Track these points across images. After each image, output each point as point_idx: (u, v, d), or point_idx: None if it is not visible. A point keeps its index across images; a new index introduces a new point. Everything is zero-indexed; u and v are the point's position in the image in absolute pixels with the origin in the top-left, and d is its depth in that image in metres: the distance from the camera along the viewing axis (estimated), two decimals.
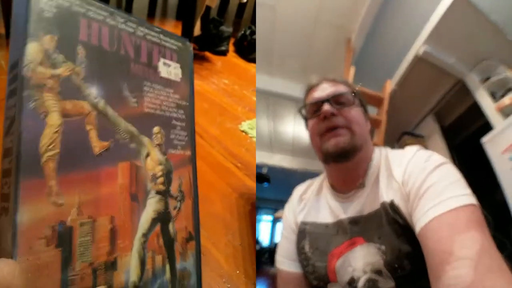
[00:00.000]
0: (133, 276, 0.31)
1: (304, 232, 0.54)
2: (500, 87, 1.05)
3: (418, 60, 1.30)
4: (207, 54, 1.81)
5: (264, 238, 4.03)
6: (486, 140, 1.06)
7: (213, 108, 1.27)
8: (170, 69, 0.37)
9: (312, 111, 0.52)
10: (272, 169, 2.67)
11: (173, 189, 0.36)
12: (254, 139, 1.18)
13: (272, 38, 1.71)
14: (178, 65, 0.38)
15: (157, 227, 0.34)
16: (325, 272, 0.49)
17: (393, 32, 1.43)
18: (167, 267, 0.34)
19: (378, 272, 0.43)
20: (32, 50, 0.26)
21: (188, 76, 0.40)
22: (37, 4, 0.27)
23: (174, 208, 0.36)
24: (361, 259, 0.45)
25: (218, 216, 0.77)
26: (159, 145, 0.34)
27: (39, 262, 0.25)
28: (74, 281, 0.26)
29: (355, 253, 0.46)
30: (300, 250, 0.54)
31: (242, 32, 1.93)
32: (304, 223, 0.55)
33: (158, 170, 0.34)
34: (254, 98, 1.45)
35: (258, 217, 3.93)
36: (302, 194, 0.59)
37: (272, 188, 2.87)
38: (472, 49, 1.15)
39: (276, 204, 3.63)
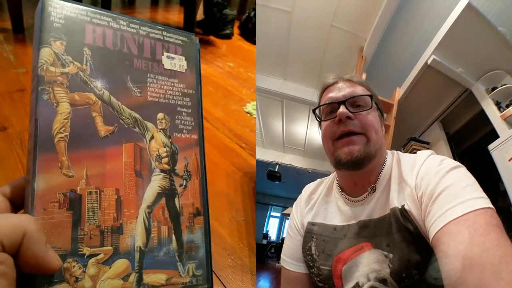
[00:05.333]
0: (139, 241, 0.33)
1: (311, 233, 0.51)
2: (506, 97, 1.04)
3: (427, 69, 1.29)
4: (212, 38, 1.75)
5: (272, 233, 4.06)
6: (492, 147, 1.05)
7: (218, 91, 1.26)
8: (174, 62, 0.39)
9: (327, 112, 0.48)
10: (283, 167, 2.69)
11: (179, 168, 0.37)
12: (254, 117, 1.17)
13: (287, 43, 1.73)
14: (183, 58, 0.40)
15: (162, 201, 0.35)
16: (331, 276, 0.46)
17: (403, 41, 1.43)
18: (173, 237, 0.35)
19: (382, 281, 0.41)
20: (45, 54, 0.31)
21: (195, 67, 0.41)
22: (48, 17, 0.32)
23: (180, 186, 0.37)
24: (367, 265, 0.43)
25: (222, 194, 0.78)
26: (163, 129, 0.37)
27: (53, 221, 0.29)
28: (83, 239, 0.30)
29: (362, 259, 0.44)
30: (306, 251, 0.51)
31: (247, 14, 1.79)
32: (312, 224, 0.52)
33: (163, 152, 0.36)
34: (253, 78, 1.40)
35: (268, 213, 3.96)
36: (311, 194, 0.56)
37: (282, 186, 2.88)
38: (480, 59, 1.13)
39: (285, 201, 3.64)
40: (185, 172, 0.38)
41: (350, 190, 0.49)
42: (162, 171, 0.36)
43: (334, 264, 0.46)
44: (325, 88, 0.51)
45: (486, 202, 0.35)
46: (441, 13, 1.15)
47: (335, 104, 0.46)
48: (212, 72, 1.42)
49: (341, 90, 0.48)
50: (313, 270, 0.50)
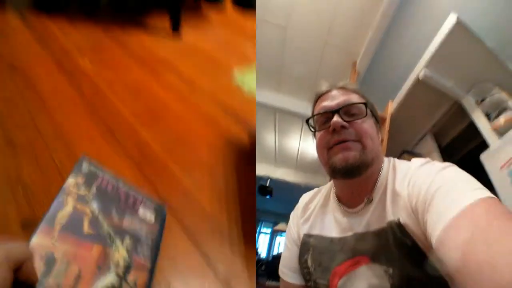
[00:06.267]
0: None
1: (307, 245, 0.50)
2: (494, 108, 1.07)
3: (418, 83, 1.33)
4: (202, 3, 1.68)
5: (262, 250, 3.95)
6: (484, 157, 1.07)
7: (206, 62, 1.22)
8: (146, 214, 0.57)
9: (321, 122, 0.47)
10: (275, 182, 2.66)
11: (130, 280, 0.46)
12: (245, 87, 1.13)
13: (281, 57, 1.77)
14: (153, 215, 0.58)
15: None
16: None
17: (395, 56, 1.48)
18: None
19: None
20: (71, 181, 0.51)
21: (159, 223, 0.58)
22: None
23: None
24: (365, 280, 0.41)
25: (204, 163, 0.76)
26: (127, 248, 0.49)
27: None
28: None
29: (359, 274, 0.42)
30: (302, 263, 0.50)
31: None
32: (308, 235, 0.51)
33: (121, 262, 0.47)
34: (249, 51, 1.37)
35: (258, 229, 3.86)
36: (308, 204, 0.54)
37: (273, 201, 2.84)
38: (469, 72, 1.18)
39: (276, 217, 3.58)
40: (134, 284, 0.46)
41: (347, 200, 0.47)
42: (117, 274, 0.45)
43: (331, 278, 0.44)
44: (319, 97, 0.49)
45: (483, 193, 0.31)
46: (432, 28, 1.20)
47: (329, 113, 0.45)
48: (201, 42, 1.36)
49: (335, 99, 0.46)
50: (310, 283, 0.48)
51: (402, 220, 0.38)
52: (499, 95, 1.05)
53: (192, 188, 0.70)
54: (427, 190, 0.35)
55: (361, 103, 0.46)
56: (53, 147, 0.73)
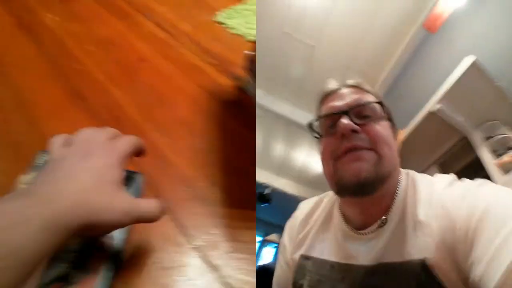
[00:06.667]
0: None
1: (304, 269, 0.41)
2: (501, 146, 1.17)
3: (430, 115, 1.44)
4: None
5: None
6: None
7: (186, 0, 1.08)
8: None
9: (327, 126, 0.38)
10: (274, 191, 2.71)
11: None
12: (232, 30, 0.99)
13: (307, 74, 1.87)
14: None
15: None
16: None
17: (410, 88, 1.60)
18: None
19: None
20: None
21: (132, 193, 0.48)
22: None
23: None
24: None
25: (183, 121, 0.68)
26: None
27: None
28: None
29: None
30: None
31: None
32: (305, 257, 0.42)
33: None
34: None
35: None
36: (308, 216, 0.45)
37: (268, 210, 2.87)
38: (478, 110, 1.29)
39: (268, 226, 3.58)
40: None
41: (355, 219, 0.38)
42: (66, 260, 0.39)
43: None
44: (325, 96, 0.41)
45: None
46: (449, 65, 1.32)
47: (336, 115, 0.37)
48: None
49: (344, 98, 0.38)
50: None
51: (429, 261, 0.30)
52: (506, 134, 1.16)
53: (169, 150, 0.62)
54: (469, 218, 0.28)
55: (376, 102, 0.38)
56: (8, 109, 0.65)
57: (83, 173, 0.34)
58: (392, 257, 0.33)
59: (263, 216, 3.50)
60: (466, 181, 0.34)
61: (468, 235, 0.27)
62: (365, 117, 0.37)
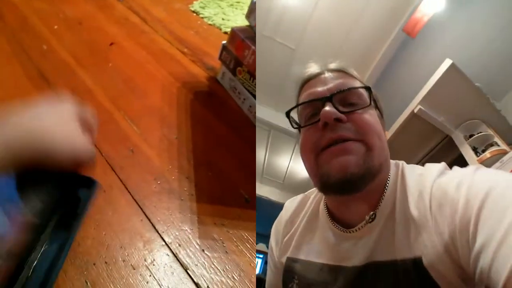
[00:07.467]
0: None
1: (292, 272, 0.38)
2: (481, 143, 1.21)
3: (413, 116, 1.46)
4: None
5: None
6: None
7: None
8: None
9: (307, 115, 0.34)
10: (257, 199, 2.65)
11: None
12: (206, 20, 0.98)
13: (286, 77, 1.85)
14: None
15: None
16: None
17: (392, 90, 1.62)
18: None
19: None
20: None
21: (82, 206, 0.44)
22: None
23: None
24: None
25: (154, 110, 0.65)
26: None
27: None
28: None
29: None
30: None
31: None
32: (292, 260, 0.39)
33: None
34: None
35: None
36: (293, 216, 0.41)
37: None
38: (459, 109, 1.33)
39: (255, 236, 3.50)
40: None
41: (342, 216, 0.35)
42: None
43: None
44: (305, 82, 0.36)
45: None
46: (428, 68, 1.35)
47: (318, 102, 0.32)
48: None
49: (327, 83, 0.33)
50: None
51: (427, 261, 0.27)
52: (486, 131, 1.19)
53: (139, 140, 0.59)
54: (468, 208, 0.25)
55: (363, 87, 0.34)
56: None
57: (44, 112, 0.38)
58: (383, 256, 0.31)
59: None
60: (458, 169, 0.30)
61: (470, 224, 0.24)
62: (351, 104, 0.32)
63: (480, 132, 1.22)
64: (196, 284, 0.44)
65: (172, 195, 0.52)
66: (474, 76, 1.22)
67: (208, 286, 0.44)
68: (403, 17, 1.43)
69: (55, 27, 0.80)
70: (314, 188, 0.39)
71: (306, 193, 0.43)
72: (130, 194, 0.51)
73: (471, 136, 1.26)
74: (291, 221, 0.41)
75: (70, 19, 0.85)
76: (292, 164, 2.38)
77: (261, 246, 3.09)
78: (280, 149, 2.30)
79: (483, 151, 1.19)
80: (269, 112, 2.05)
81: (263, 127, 2.11)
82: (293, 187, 2.54)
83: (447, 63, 1.28)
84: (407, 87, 1.51)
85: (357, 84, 0.34)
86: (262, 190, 2.62)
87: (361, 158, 0.29)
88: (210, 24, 0.98)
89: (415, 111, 1.41)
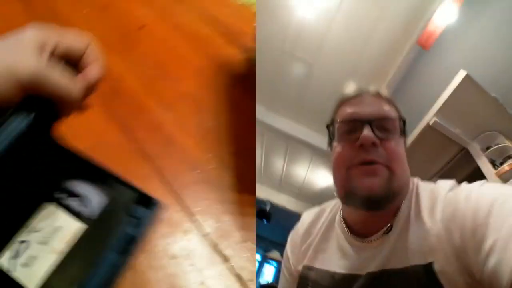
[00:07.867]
0: None
1: (307, 280, 0.41)
2: (499, 155, 1.20)
3: (429, 128, 1.47)
4: None
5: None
6: None
7: None
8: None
9: (344, 131, 0.37)
10: (273, 207, 2.68)
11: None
12: (247, 4, 0.87)
13: (305, 90, 1.92)
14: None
15: None
16: None
17: (408, 102, 1.64)
18: None
19: None
20: None
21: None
22: None
23: None
24: None
25: (189, 95, 0.62)
26: None
27: None
28: None
29: None
30: None
31: None
32: (308, 268, 0.42)
33: None
34: None
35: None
36: (310, 227, 0.45)
37: (268, 226, 2.83)
38: (475, 121, 1.32)
39: (267, 243, 3.50)
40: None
41: (359, 227, 0.39)
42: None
43: None
44: (345, 100, 0.40)
45: None
46: (443, 80, 1.37)
47: (358, 123, 0.36)
48: None
49: (367, 106, 0.37)
50: None
51: (438, 267, 0.30)
52: (504, 143, 1.19)
53: (174, 128, 0.57)
54: (476, 217, 0.28)
55: (398, 118, 0.38)
56: None
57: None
58: (397, 263, 0.34)
59: (262, 232, 3.44)
60: (466, 185, 0.35)
61: (477, 231, 0.28)
62: (385, 130, 0.36)
63: (498, 144, 1.22)
64: (237, 275, 0.43)
65: (211, 184, 0.50)
66: (490, 87, 1.22)
67: (250, 279, 0.43)
68: (416, 30, 1.46)
69: (82, 10, 0.77)
70: (330, 201, 0.46)
71: (321, 206, 0.47)
72: (167, 184, 0.50)
73: (488, 148, 1.25)
74: (308, 231, 0.44)
75: (97, 1, 0.80)
76: (309, 174, 2.42)
77: (275, 254, 3.10)
78: (297, 159, 2.35)
79: (501, 163, 1.19)
80: (288, 124, 2.12)
81: (282, 137, 2.18)
82: (309, 197, 2.56)
83: (461, 74, 1.29)
84: (422, 99, 1.53)
85: (392, 110, 0.38)
86: (279, 198, 2.66)
87: (385, 181, 0.34)
88: (244, 3, 0.86)
89: (430, 123, 1.42)
